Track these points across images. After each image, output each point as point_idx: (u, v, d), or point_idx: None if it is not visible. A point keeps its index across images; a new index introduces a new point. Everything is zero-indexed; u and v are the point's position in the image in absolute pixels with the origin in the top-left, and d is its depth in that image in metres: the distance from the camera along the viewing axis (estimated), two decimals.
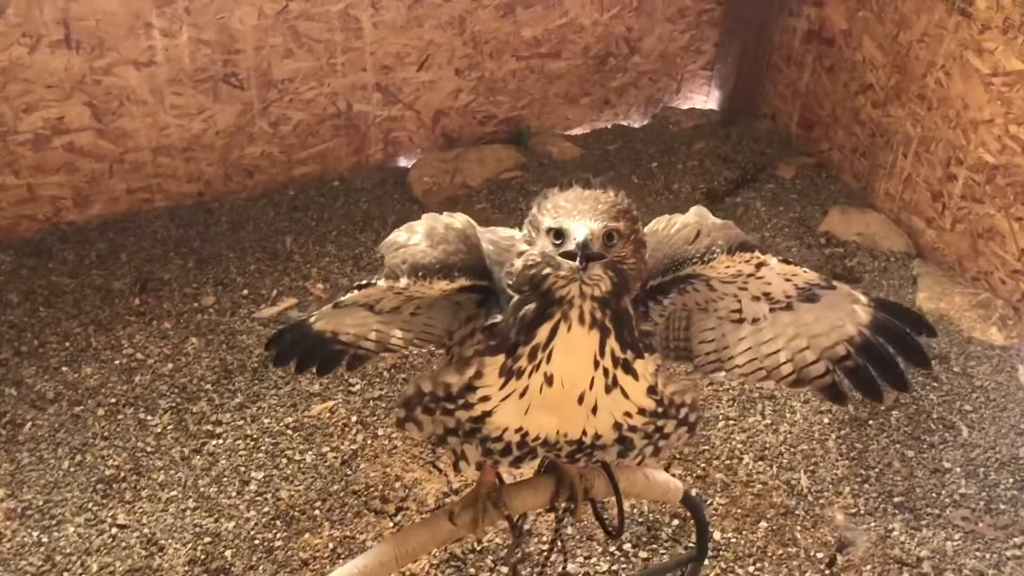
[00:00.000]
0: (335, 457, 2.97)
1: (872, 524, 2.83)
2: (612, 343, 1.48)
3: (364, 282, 1.58)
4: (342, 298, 1.65)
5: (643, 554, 2.72)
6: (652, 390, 1.56)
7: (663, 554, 2.73)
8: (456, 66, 4.12)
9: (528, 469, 1.81)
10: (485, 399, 1.55)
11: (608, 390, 1.52)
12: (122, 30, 3.46)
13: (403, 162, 4.27)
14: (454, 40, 4.04)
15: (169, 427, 3.04)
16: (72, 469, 2.89)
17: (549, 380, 1.50)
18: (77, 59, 3.47)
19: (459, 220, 1.66)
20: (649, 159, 4.33)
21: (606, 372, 1.50)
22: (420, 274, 1.50)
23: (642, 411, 1.57)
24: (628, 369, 1.52)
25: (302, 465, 2.94)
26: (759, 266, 1.62)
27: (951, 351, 3.40)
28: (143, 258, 3.66)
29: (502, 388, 1.53)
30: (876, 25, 3.85)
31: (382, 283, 1.54)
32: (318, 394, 3.17)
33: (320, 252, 3.74)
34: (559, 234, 1.41)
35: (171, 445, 2.98)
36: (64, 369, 3.19)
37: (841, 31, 4.03)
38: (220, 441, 3.00)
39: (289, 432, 3.03)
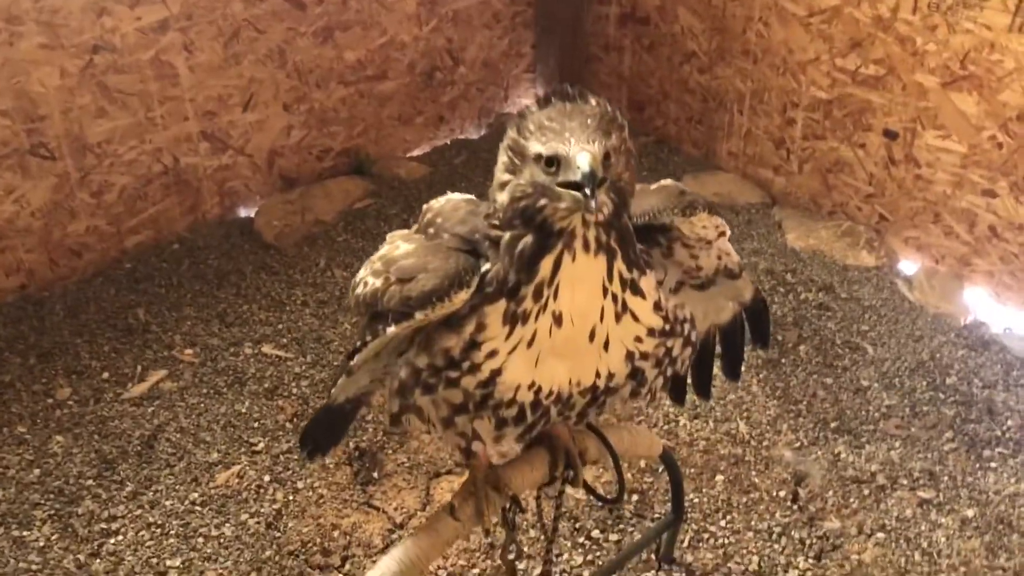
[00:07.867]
0: (257, 522, 2.65)
1: (819, 453, 2.82)
2: (619, 265, 1.37)
3: (368, 338, 1.47)
4: (351, 363, 1.53)
5: (613, 537, 2.58)
6: (658, 306, 1.46)
7: (631, 532, 2.60)
8: (283, 101, 3.90)
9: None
10: (492, 354, 1.38)
11: (618, 317, 1.40)
12: None
13: (244, 212, 3.99)
14: (276, 73, 3.82)
15: (53, 537, 2.61)
16: None
17: (558, 320, 1.36)
18: None
19: (402, 238, 1.56)
20: None
21: (615, 298, 1.38)
22: (434, 299, 1.37)
23: (651, 332, 1.46)
24: (636, 289, 1.41)
25: (222, 540, 2.60)
26: (721, 234, 1.64)
27: (833, 280, 3.50)
28: None
29: (508, 338, 1.37)
30: None
31: (392, 328, 1.41)
32: (218, 462, 2.84)
33: (179, 317, 3.40)
34: (551, 161, 1.29)
35: (61, 556, 2.56)
36: None
37: (655, 8, 4.14)
38: (120, 537, 2.61)
39: (198, 508, 2.69)
